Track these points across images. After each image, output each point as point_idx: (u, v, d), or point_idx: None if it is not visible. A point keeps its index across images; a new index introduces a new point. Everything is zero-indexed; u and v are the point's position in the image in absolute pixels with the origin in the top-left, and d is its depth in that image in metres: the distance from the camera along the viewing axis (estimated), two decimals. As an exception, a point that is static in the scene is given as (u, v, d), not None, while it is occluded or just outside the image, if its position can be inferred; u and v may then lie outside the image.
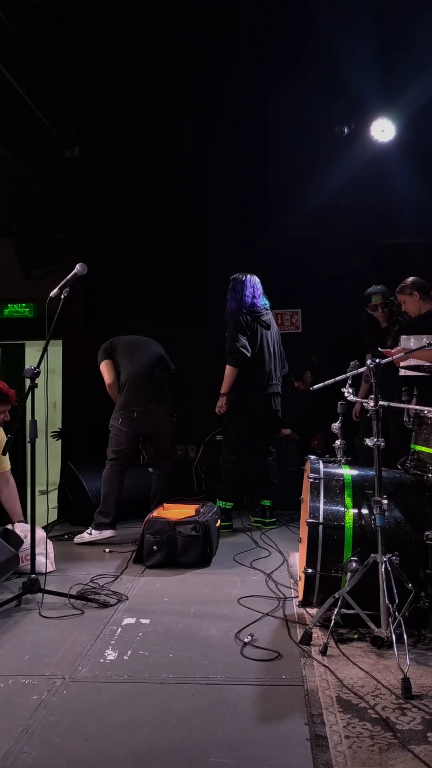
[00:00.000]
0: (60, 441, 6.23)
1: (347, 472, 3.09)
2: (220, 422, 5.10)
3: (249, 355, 4.80)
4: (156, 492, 4.89)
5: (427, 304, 4.57)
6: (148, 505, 4.71)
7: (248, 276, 4.99)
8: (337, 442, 3.44)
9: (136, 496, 5.11)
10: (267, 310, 5.02)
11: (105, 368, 4.88)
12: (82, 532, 4.74)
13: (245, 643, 2.71)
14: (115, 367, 4.86)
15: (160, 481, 4.91)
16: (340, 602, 2.66)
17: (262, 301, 4.99)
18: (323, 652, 2.58)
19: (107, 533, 4.61)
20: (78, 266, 3.39)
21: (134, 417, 4.70)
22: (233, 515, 5.04)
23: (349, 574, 2.70)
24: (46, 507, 4.85)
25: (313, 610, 2.99)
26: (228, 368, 4.86)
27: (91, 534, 4.60)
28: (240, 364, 4.82)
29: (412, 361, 3.98)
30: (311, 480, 3.02)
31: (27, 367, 3.26)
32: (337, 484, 3.01)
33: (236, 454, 4.92)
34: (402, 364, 3.89)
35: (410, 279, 4.39)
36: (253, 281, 4.97)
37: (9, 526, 3.88)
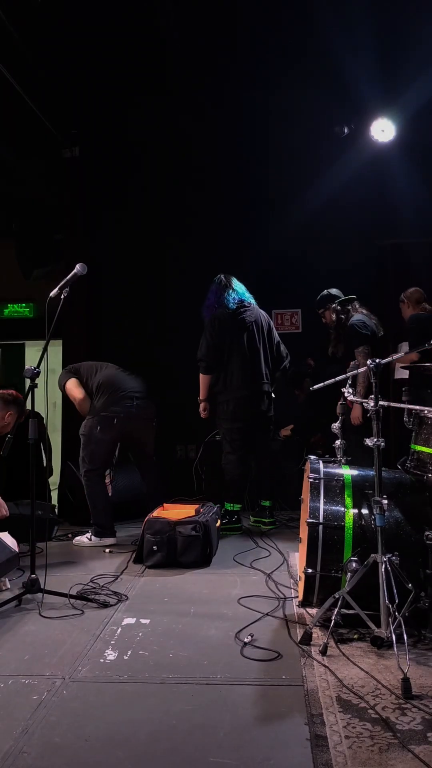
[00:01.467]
0: (61, 441, 6.22)
1: (347, 472, 3.09)
2: (216, 423, 5.10)
3: (212, 362, 4.80)
4: (150, 494, 4.83)
5: (415, 312, 4.99)
6: (146, 506, 4.70)
7: (221, 276, 4.95)
8: (337, 442, 3.44)
9: (134, 497, 5.12)
10: (246, 307, 4.90)
11: (72, 385, 4.63)
12: (82, 532, 4.75)
13: (245, 643, 2.71)
14: (82, 384, 4.65)
15: (151, 483, 4.87)
16: (340, 602, 2.66)
17: (237, 297, 4.89)
18: (323, 652, 2.58)
19: (108, 540, 4.57)
20: (78, 266, 3.39)
21: (114, 423, 4.49)
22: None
23: (349, 574, 2.70)
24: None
25: (313, 610, 2.99)
26: (200, 375, 4.90)
27: (90, 540, 4.58)
28: (210, 371, 4.84)
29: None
30: (311, 480, 3.02)
31: (27, 367, 3.26)
32: (337, 484, 3.01)
33: (235, 453, 4.91)
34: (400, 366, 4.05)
35: (410, 289, 4.98)
36: (221, 280, 4.92)
37: None
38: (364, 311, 4.93)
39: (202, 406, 4.98)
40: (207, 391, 4.91)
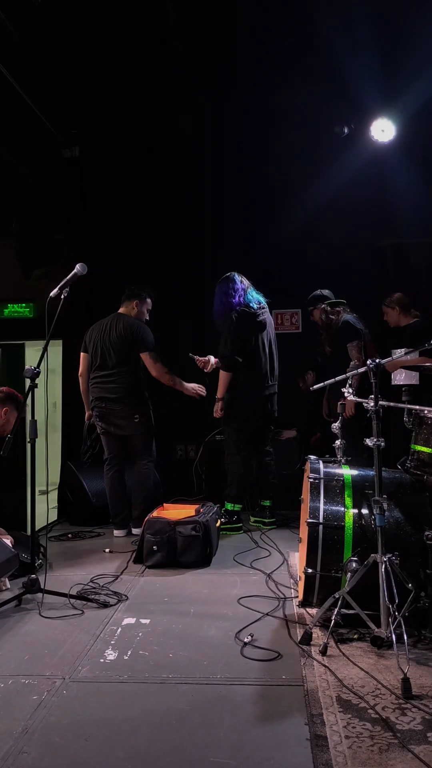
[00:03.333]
0: (61, 441, 6.22)
1: (347, 472, 3.09)
2: (219, 423, 5.09)
3: (241, 360, 4.77)
4: (131, 491, 4.82)
5: (408, 318, 5.08)
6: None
7: (234, 274, 4.92)
8: (337, 442, 3.44)
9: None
10: (263, 308, 4.94)
11: (80, 360, 4.96)
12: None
13: (245, 643, 2.72)
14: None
15: (134, 481, 4.83)
16: (340, 602, 2.66)
17: (256, 298, 4.91)
18: (323, 652, 2.58)
19: (115, 532, 4.80)
20: (78, 266, 3.39)
21: (97, 420, 4.81)
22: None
23: (349, 574, 2.70)
24: (46, 507, 4.86)
25: (313, 610, 2.99)
26: (222, 373, 4.85)
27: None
28: (233, 369, 4.80)
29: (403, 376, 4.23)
30: (311, 480, 3.02)
31: (27, 367, 3.26)
32: (337, 484, 3.01)
33: (239, 453, 4.91)
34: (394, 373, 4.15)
35: (396, 294, 5.09)
36: (241, 279, 4.90)
37: None
38: (353, 315, 5.00)
39: (219, 405, 4.88)
40: (226, 390, 4.85)
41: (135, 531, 4.62)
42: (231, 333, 4.79)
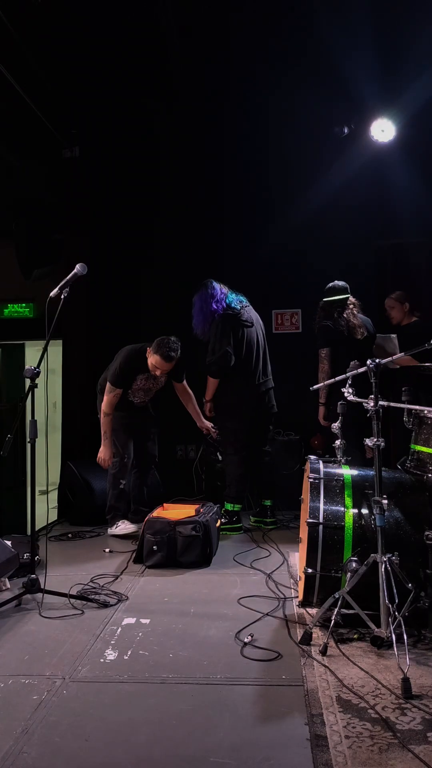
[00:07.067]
0: (61, 441, 6.22)
1: (347, 472, 3.09)
2: (218, 423, 5.09)
3: (232, 362, 4.75)
4: (133, 494, 4.88)
5: (409, 317, 5.17)
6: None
7: (211, 281, 4.89)
8: (337, 442, 3.44)
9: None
10: (246, 306, 4.93)
11: None
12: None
13: (245, 643, 2.72)
14: None
15: (136, 483, 4.86)
16: (340, 602, 2.66)
17: (237, 298, 4.90)
18: (323, 652, 2.58)
19: (119, 523, 4.79)
20: (78, 266, 3.39)
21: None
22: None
23: (349, 574, 2.70)
24: (46, 507, 4.86)
25: (313, 610, 2.99)
26: (210, 379, 4.87)
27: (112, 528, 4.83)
28: (221, 375, 4.81)
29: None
30: (311, 480, 3.02)
31: (27, 367, 3.27)
32: (337, 484, 3.01)
33: (238, 453, 4.91)
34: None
35: (396, 293, 5.20)
36: (218, 285, 4.88)
37: None
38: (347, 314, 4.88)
39: (208, 406, 4.98)
40: (214, 393, 4.92)
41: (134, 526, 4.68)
42: (219, 340, 4.75)
